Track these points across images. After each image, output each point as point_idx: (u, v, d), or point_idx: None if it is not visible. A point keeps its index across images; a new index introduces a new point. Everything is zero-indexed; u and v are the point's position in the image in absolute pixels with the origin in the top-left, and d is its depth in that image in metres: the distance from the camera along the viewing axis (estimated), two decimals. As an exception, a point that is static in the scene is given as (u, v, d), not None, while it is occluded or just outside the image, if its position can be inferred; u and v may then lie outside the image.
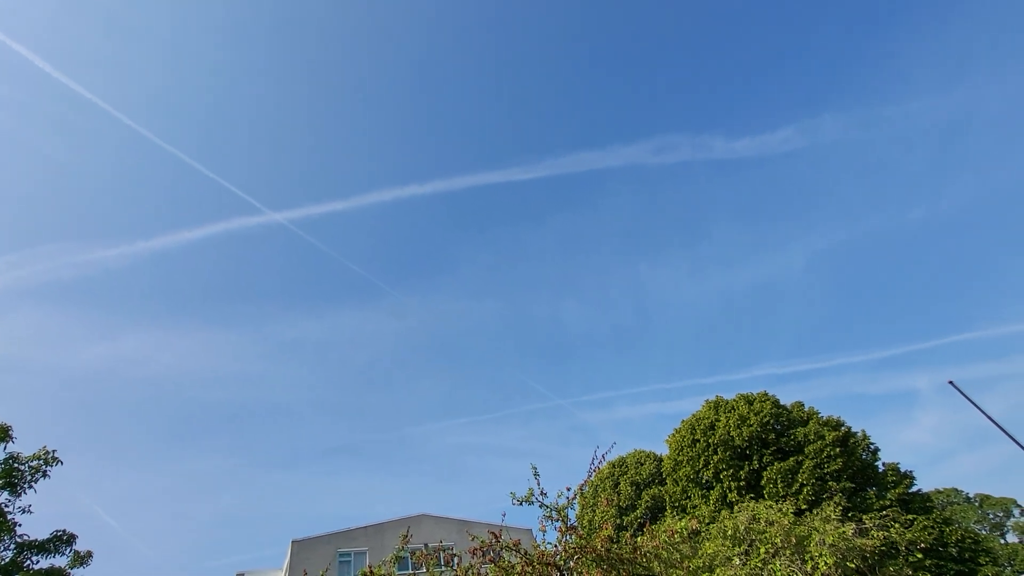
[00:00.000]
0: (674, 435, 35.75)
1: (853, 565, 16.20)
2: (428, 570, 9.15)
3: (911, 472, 30.57)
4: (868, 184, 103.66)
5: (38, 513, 13.78)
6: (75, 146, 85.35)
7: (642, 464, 41.66)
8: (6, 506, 13.07)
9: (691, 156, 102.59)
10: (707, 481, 32.70)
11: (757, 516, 17.50)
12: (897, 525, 19.53)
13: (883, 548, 18.56)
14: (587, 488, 10.00)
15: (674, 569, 9.88)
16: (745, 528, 17.22)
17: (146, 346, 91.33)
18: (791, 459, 29.58)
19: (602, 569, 8.50)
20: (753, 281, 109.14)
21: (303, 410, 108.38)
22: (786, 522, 16.52)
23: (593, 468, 10.45)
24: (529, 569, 8.01)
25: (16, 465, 12.97)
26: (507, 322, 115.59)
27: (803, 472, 28.66)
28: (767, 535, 16.34)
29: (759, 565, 15.64)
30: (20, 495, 13.47)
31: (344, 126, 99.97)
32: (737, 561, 16.30)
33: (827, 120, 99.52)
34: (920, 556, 21.24)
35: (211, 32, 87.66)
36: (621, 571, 8.67)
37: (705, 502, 31.38)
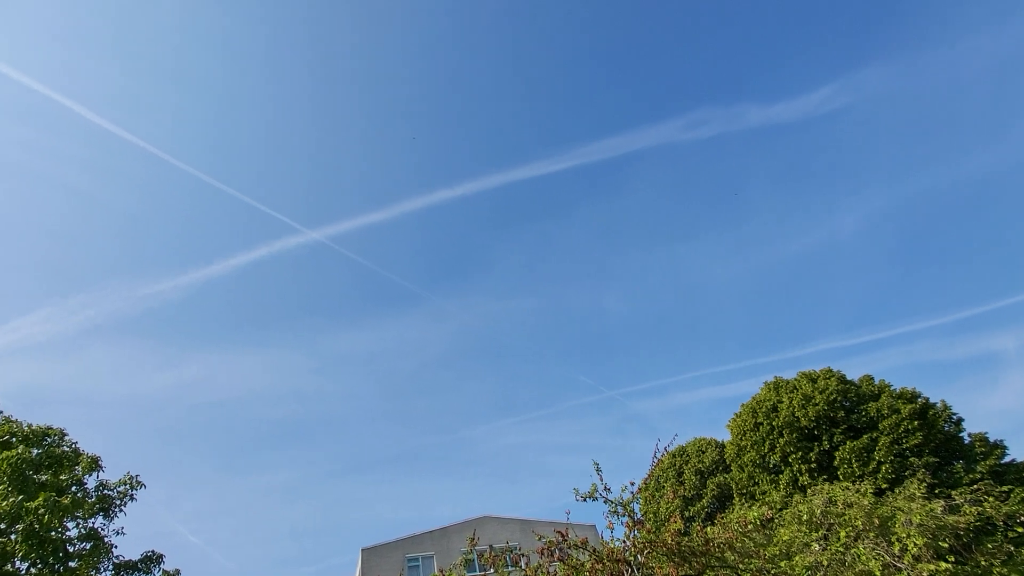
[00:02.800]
0: (735, 420, 34.55)
1: (946, 545, 15.13)
2: (497, 571, 9.16)
3: (1002, 441, 28.31)
4: (921, 136, 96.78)
5: (129, 535, 14.73)
6: (125, 189, 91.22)
7: (704, 452, 40.52)
8: (102, 530, 13.99)
9: (724, 128, 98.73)
10: (775, 465, 31.42)
11: (833, 499, 16.61)
12: (991, 499, 18.09)
13: (978, 524, 17.24)
14: (650, 481, 9.75)
15: (750, 559, 9.50)
16: (822, 512, 16.38)
17: (208, 370, 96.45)
18: (864, 437, 27.99)
19: (674, 563, 8.25)
20: (803, 252, 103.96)
21: (359, 421, 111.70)
22: (866, 503, 15.60)
23: (655, 460, 10.20)
24: (600, 567, 7.87)
25: (106, 492, 13.89)
26: (547, 318, 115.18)
27: (879, 450, 27.06)
28: (847, 518, 15.49)
29: (841, 550, 14.84)
30: (113, 519, 14.39)
31: (370, 140, 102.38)
32: (816, 547, 15.53)
33: (869, 73, 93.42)
34: (1022, 530, 19.63)
35: (239, 63, 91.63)
36: (694, 564, 8.40)
37: (775, 487, 30.16)
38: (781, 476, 30.26)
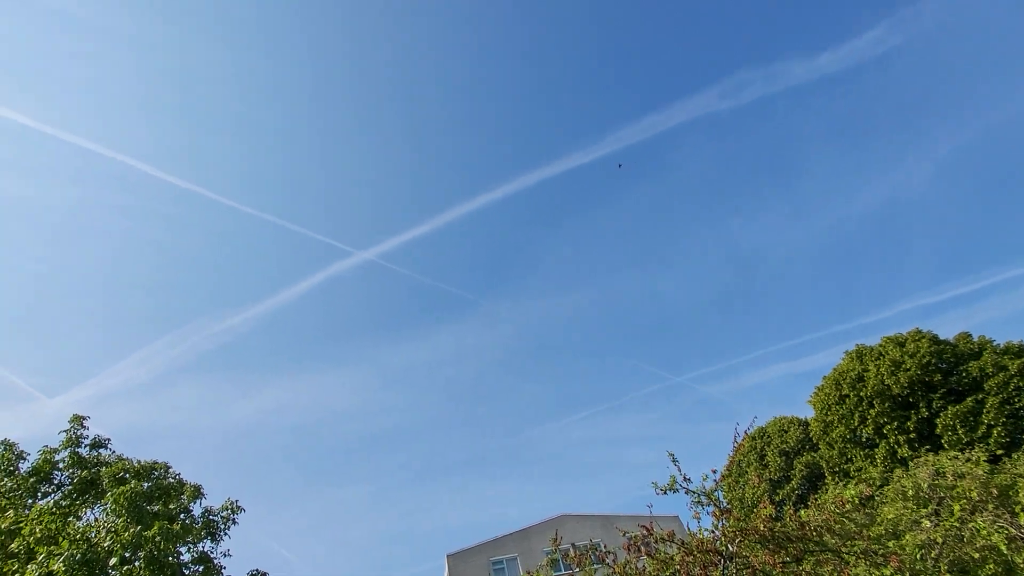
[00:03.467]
0: (817, 395, 32.59)
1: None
2: (584, 569, 9.06)
3: None
4: (986, 70, 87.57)
5: (234, 556, 15.78)
6: (198, 236, 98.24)
7: (786, 431, 38.47)
8: (211, 553, 15.05)
9: (767, 89, 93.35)
10: (868, 439, 29.33)
11: (941, 470, 15.27)
12: None
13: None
14: (732, 467, 9.34)
15: (852, 541, 8.89)
16: (929, 486, 15.09)
17: (285, 395, 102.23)
18: (968, 400, 25.59)
19: (769, 550, 7.85)
20: (870, 207, 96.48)
21: (427, 429, 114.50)
22: (980, 472, 14.24)
23: (736, 444, 9.76)
24: (690, 559, 7.60)
25: (211, 517, 14.96)
26: (602, 309, 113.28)
27: (987, 412, 24.65)
28: (959, 490, 14.19)
29: (956, 525, 13.60)
30: (219, 542, 15.44)
31: (408, 158, 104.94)
32: (927, 523, 14.32)
33: (923, 6, 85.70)
34: None
35: (286, 107, 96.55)
36: (790, 549, 7.95)
37: (871, 462, 28.15)
38: (877, 450, 28.21)
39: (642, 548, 8.14)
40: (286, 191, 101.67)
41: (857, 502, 9.28)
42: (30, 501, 13.82)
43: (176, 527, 12.44)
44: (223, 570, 14.82)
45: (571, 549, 9.82)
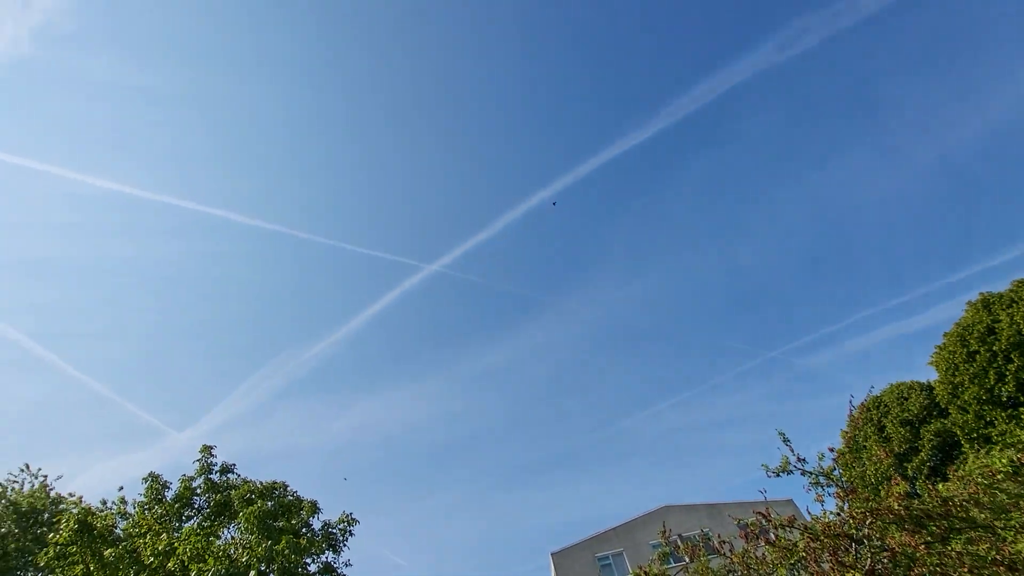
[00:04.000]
0: (940, 353, 29.27)
1: None
2: (699, 561, 8.69)
3: None
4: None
5: (355, 565, 16.77)
6: (278, 272, 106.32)
7: (907, 399, 34.84)
8: (333, 563, 16.07)
9: (828, 33, 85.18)
10: (1010, 398, 25.89)
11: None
12: None
13: None
14: (850, 443, 8.58)
15: (1007, 514, 7.83)
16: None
17: (370, 412, 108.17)
18: None
19: (907, 530, 7.08)
20: (978, 137, 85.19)
21: (511, 431, 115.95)
22: None
23: (851, 417, 8.98)
24: (816, 544, 7.03)
25: (330, 530, 16.00)
26: (680, 289, 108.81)
27: None
28: None
29: None
30: (340, 553, 16.45)
31: (461, 166, 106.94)
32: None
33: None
34: None
35: (338, 139, 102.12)
36: (932, 529, 7.12)
37: (1016, 423, 24.82)
38: (1022, 409, 24.84)
39: (761, 535, 7.65)
40: (351, 217, 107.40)
41: (1010, 470, 8.19)
42: (177, 524, 15.49)
43: (302, 541, 13.43)
44: (346, 578, 15.78)
45: (678, 540, 9.46)
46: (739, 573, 8.63)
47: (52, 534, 14.45)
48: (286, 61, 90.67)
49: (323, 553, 15.82)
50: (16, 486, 20.19)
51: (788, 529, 7.97)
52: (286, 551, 12.42)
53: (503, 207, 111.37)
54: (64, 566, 13.46)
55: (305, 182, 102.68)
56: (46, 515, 19.69)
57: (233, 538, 14.40)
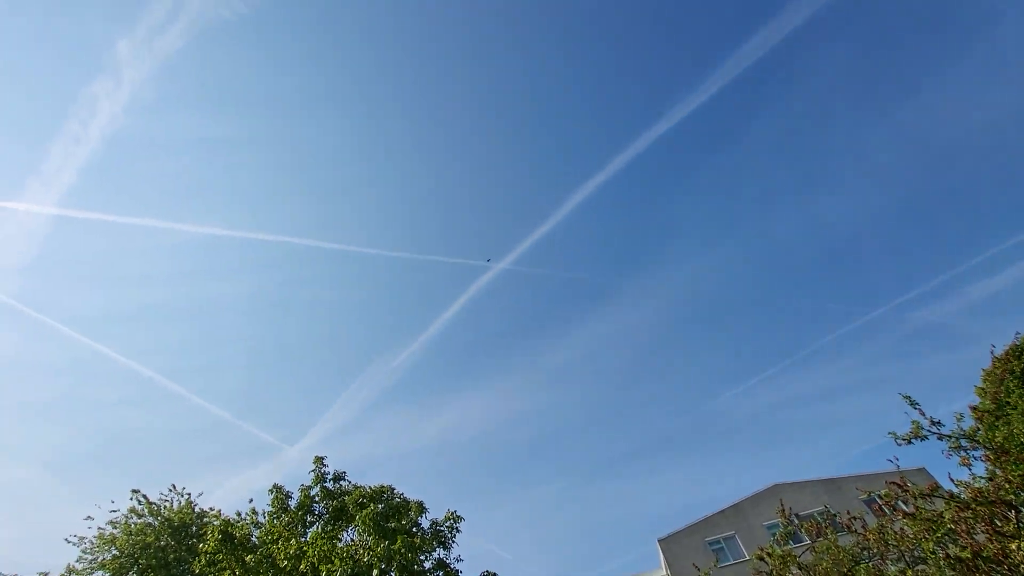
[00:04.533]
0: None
1: None
2: (827, 539, 8.08)
3: None
4: None
5: (464, 560, 17.33)
6: (350, 289, 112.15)
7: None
8: (445, 559, 16.70)
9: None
10: None
11: None
12: None
13: None
14: (993, 398, 7.61)
15: None
16: None
17: (458, 412, 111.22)
18: None
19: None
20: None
21: (601, 420, 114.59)
22: None
23: (989, 371, 7.94)
24: (968, 514, 6.29)
25: (438, 528, 16.65)
26: (760, 255, 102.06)
27: None
28: None
29: None
30: (449, 549, 17.06)
31: (514, 159, 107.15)
32: None
33: None
34: None
35: (405, 158, 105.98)
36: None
37: None
38: None
39: (898, 508, 6.97)
40: (417, 228, 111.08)
41: None
42: (302, 530, 16.80)
43: (415, 539, 14.09)
44: (459, 573, 16.34)
45: (795, 518, 8.86)
46: (874, 550, 7.95)
47: (201, 544, 16.23)
48: (339, 94, 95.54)
49: (434, 550, 16.47)
50: (167, 504, 22.86)
51: (929, 499, 7.22)
52: (402, 550, 13.10)
53: (562, 196, 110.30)
54: (215, 572, 15.08)
55: (370, 202, 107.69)
56: (194, 528, 22.12)
57: (353, 540, 15.40)
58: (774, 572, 7.76)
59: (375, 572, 12.67)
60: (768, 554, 7.57)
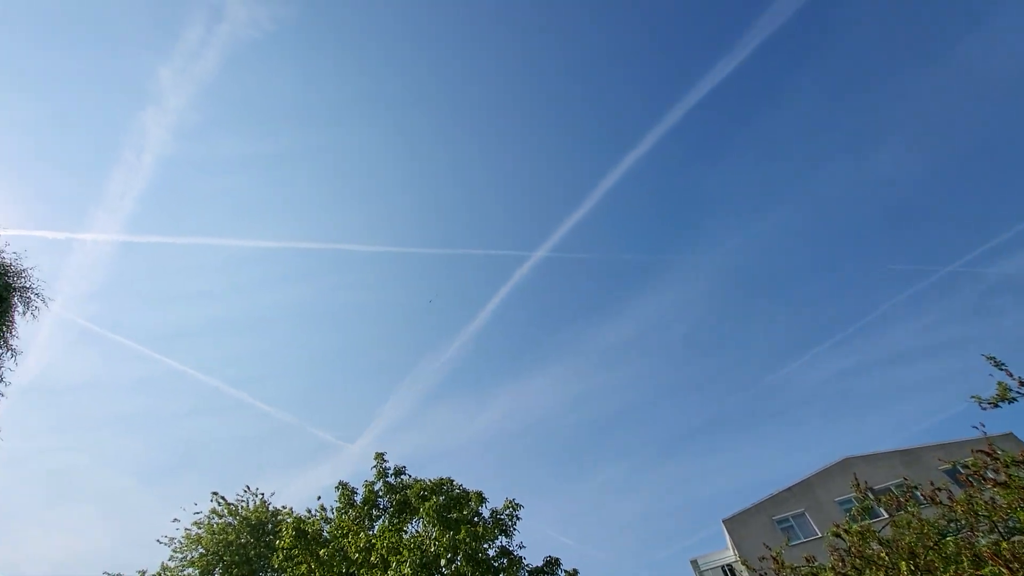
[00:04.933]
0: None
1: None
2: (908, 511, 7.62)
3: None
4: None
5: (527, 548, 17.54)
6: (395, 289, 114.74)
7: None
8: (508, 547, 16.95)
9: None
10: None
11: None
12: None
13: None
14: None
15: None
16: None
17: (511, 401, 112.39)
18: None
19: None
20: None
21: (657, 401, 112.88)
22: None
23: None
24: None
25: (499, 517, 16.90)
26: (813, 218, 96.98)
27: None
28: None
29: None
30: (511, 537, 17.29)
31: (544, 146, 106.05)
32: None
33: None
34: None
35: (435, 165, 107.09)
36: None
37: None
38: None
39: (986, 477, 6.47)
40: (453, 224, 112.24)
41: None
42: (368, 524, 17.43)
43: (478, 529, 14.37)
44: (523, 560, 16.55)
45: (871, 493, 8.39)
46: (962, 521, 7.44)
47: (278, 541, 17.14)
48: (367, 100, 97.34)
49: (496, 538, 16.73)
50: (244, 504, 24.28)
51: (1021, 466, 6.67)
52: (467, 539, 13.39)
53: (596, 177, 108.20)
54: (292, 566, 15.91)
55: (406, 202, 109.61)
56: (269, 526, 23.40)
57: (418, 532, 15.86)
58: (852, 549, 7.40)
59: (443, 561, 13.04)
60: (845, 530, 7.22)
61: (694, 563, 32.87)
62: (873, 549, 7.77)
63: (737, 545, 28.82)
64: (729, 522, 29.96)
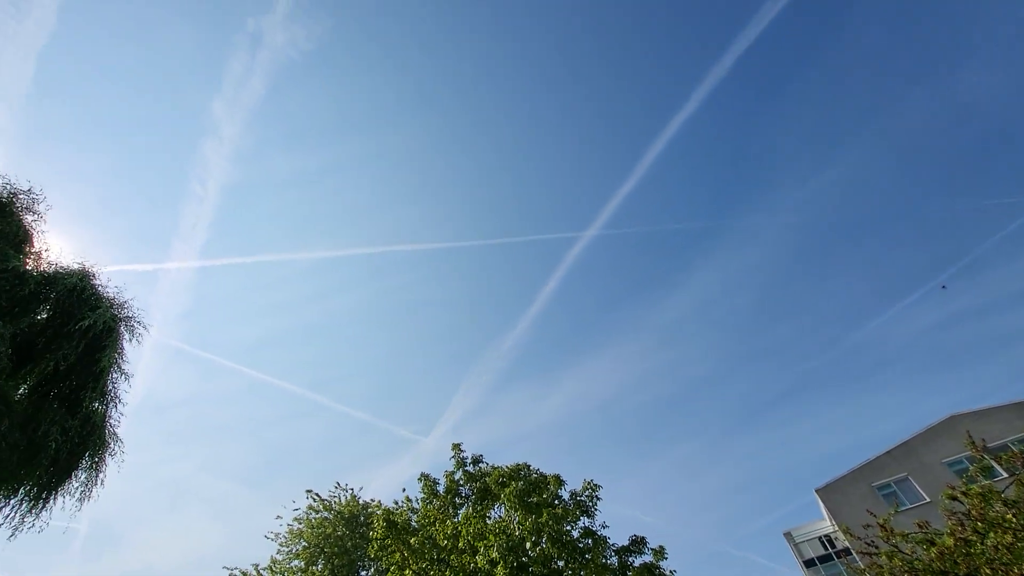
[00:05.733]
0: None
1: None
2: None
3: None
4: None
5: (610, 527, 17.45)
6: (454, 284, 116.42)
7: None
8: (591, 526, 16.94)
9: None
10: None
11: None
12: None
13: None
14: None
15: None
16: None
17: (577, 383, 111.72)
18: None
19: None
20: None
21: (730, 371, 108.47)
22: None
23: None
24: None
25: (579, 498, 16.92)
26: (889, 158, 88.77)
27: None
28: None
29: None
30: (593, 517, 17.26)
31: (584, 121, 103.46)
32: None
33: None
34: None
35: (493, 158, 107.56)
36: None
37: None
38: None
39: None
40: (502, 213, 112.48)
41: None
42: (452, 512, 17.99)
43: (559, 511, 14.46)
44: (608, 539, 16.50)
45: (983, 451, 7.55)
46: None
47: (371, 532, 18.08)
48: (405, 104, 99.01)
49: (579, 520, 16.76)
50: (336, 499, 25.81)
51: None
52: (550, 522, 13.51)
53: (641, 148, 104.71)
54: (386, 555, 16.75)
55: (454, 197, 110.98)
56: (361, 518, 24.75)
57: (500, 517, 16.18)
58: (973, 512, 6.72)
59: (528, 544, 13.24)
60: (963, 492, 6.56)
61: (788, 536, 31.52)
62: (997, 511, 7.04)
63: (834, 515, 27.31)
64: (823, 491, 28.42)
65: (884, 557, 8.07)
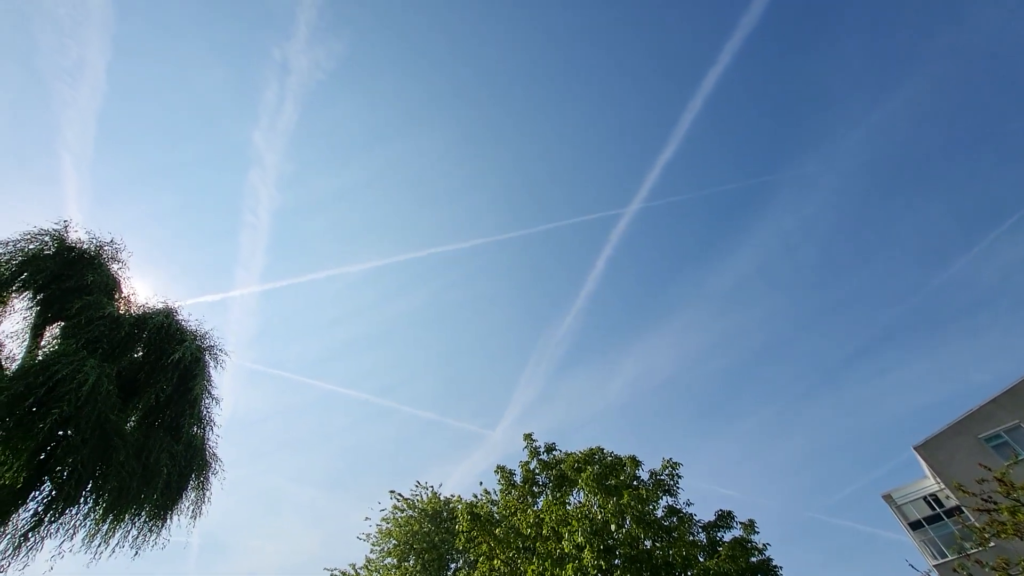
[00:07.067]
0: None
1: None
2: None
3: None
4: None
5: (694, 504, 17.09)
6: (503, 277, 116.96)
7: None
8: (674, 504, 16.66)
9: None
10: None
11: None
12: None
13: None
14: None
15: None
16: None
17: (642, 361, 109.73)
18: None
19: None
20: None
21: (792, 336, 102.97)
22: None
23: None
24: None
25: (659, 477, 16.65)
26: (954, 79, 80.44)
27: None
28: None
29: None
30: (676, 496, 16.95)
31: (616, 94, 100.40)
32: None
33: None
34: None
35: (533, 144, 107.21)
36: None
37: None
38: None
39: None
40: (542, 199, 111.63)
41: None
42: (532, 501, 18.19)
43: (641, 491, 14.29)
44: (694, 516, 16.16)
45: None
46: None
47: (457, 525, 18.61)
48: (431, 107, 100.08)
49: (660, 499, 16.52)
50: (419, 497, 26.77)
51: None
52: (631, 503, 13.39)
53: (679, 109, 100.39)
54: (474, 547, 17.21)
55: (492, 192, 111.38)
56: (444, 513, 25.54)
57: (580, 502, 16.20)
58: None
59: (612, 526, 13.20)
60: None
61: (888, 497, 29.68)
62: None
63: (939, 472, 25.43)
64: (923, 448, 26.51)
65: (1006, 513, 7.39)
